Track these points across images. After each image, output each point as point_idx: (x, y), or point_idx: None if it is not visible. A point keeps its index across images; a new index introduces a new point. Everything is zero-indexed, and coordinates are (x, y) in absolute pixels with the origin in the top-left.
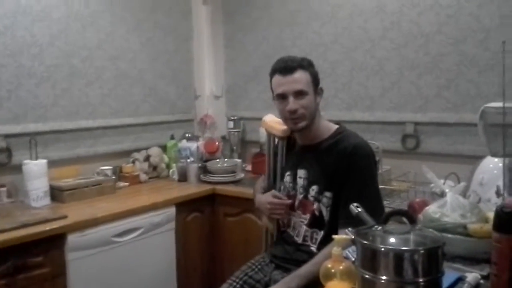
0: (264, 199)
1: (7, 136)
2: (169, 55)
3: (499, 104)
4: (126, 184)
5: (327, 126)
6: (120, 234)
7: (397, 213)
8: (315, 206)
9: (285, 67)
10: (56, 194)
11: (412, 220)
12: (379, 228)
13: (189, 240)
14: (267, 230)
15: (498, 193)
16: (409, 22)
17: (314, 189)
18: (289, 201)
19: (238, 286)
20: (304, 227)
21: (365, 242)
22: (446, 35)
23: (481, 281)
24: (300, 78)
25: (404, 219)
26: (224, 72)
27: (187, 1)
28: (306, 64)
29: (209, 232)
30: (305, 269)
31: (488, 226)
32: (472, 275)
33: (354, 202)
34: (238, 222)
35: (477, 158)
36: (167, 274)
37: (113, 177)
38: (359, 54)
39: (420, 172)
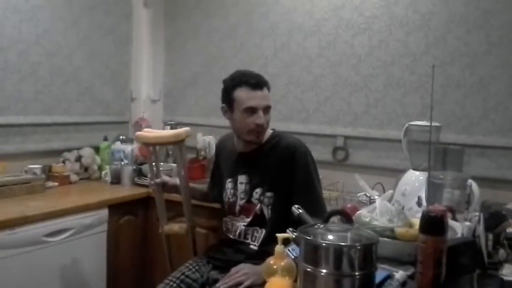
0: None
1: None
2: (107, 56)
3: (421, 123)
4: (56, 184)
5: None
6: (51, 234)
7: (337, 213)
8: (258, 207)
9: (257, 82)
10: None
11: (350, 220)
12: (321, 226)
13: (121, 243)
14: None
15: (419, 203)
16: (343, 43)
17: (257, 192)
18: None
19: (174, 285)
20: (243, 226)
21: (308, 238)
22: (376, 57)
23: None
24: (268, 95)
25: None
26: (162, 77)
27: (128, 2)
28: (268, 83)
29: (142, 235)
30: None
31: (413, 231)
32: (400, 273)
33: (302, 201)
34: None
35: (400, 171)
36: (97, 277)
37: (43, 176)
38: (296, 70)
39: (348, 182)
